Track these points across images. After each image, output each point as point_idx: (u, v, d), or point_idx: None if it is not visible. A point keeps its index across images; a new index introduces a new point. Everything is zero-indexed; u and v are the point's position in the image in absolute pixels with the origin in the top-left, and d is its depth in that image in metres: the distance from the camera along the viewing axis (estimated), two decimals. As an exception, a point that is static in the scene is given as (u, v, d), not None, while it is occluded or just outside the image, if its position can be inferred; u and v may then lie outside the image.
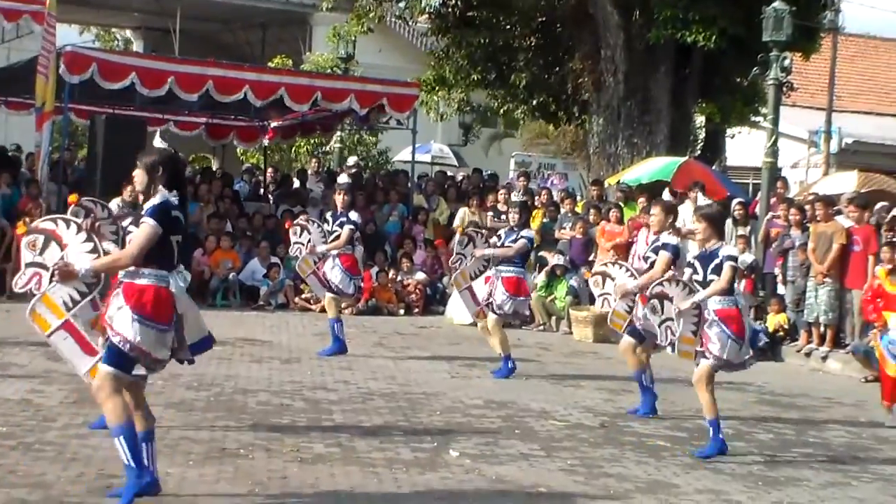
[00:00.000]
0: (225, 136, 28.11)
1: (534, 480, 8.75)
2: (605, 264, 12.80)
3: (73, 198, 10.72)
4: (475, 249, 14.55)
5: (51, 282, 7.39)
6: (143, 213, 7.26)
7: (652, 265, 11.64)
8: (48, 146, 20.81)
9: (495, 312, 13.71)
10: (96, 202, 10.41)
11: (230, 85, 21.84)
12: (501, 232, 15.01)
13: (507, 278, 13.64)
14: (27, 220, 9.26)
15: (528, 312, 16.00)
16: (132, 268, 7.14)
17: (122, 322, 7.08)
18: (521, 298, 14.01)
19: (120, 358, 7.12)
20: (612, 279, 12.10)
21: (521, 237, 14.45)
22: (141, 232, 7.17)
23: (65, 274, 7.30)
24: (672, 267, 11.41)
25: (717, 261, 9.91)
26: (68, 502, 7.36)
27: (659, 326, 10.76)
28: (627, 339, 11.81)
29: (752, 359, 10.39)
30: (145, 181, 7.38)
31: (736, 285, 10.49)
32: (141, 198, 7.51)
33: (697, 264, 10.10)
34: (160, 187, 7.31)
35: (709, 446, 10.05)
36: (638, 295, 11.42)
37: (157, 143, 7.12)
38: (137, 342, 7.06)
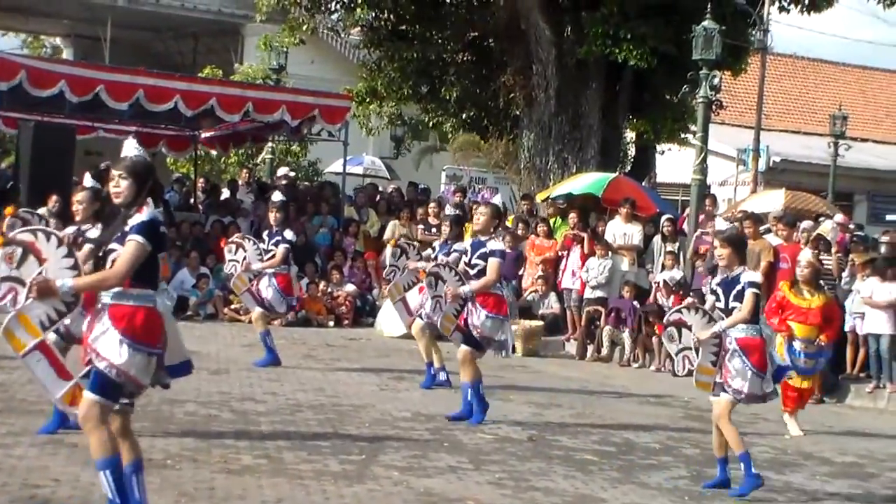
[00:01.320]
0: (154, 145, 27.88)
1: (462, 493, 8.75)
2: (438, 266, 12.27)
3: (9, 210, 10.60)
4: (408, 261, 14.59)
5: (27, 298, 6.78)
6: (127, 229, 6.70)
7: (479, 273, 11.57)
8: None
9: (424, 319, 13.64)
10: (33, 213, 10.33)
11: (161, 94, 21.73)
12: (435, 244, 15.04)
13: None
14: (3, 230, 8.63)
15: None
16: (117, 288, 6.67)
17: (108, 346, 6.60)
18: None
19: (106, 385, 6.63)
20: (444, 282, 11.87)
21: (455, 250, 14.48)
22: (129, 250, 6.62)
23: (44, 290, 6.63)
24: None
25: (738, 287, 9.39)
26: (-8, 513, 7.28)
27: (676, 356, 10.64)
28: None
29: (773, 393, 9.89)
30: (132, 192, 6.79)
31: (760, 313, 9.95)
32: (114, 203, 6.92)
33: (720, 291, 9.56)
34: (147, 200, 6.82)
35: (745, 484, 9.36)
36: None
37: (131, 149, 6.65)
38: (125, 368, 6.59)
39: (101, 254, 6.96)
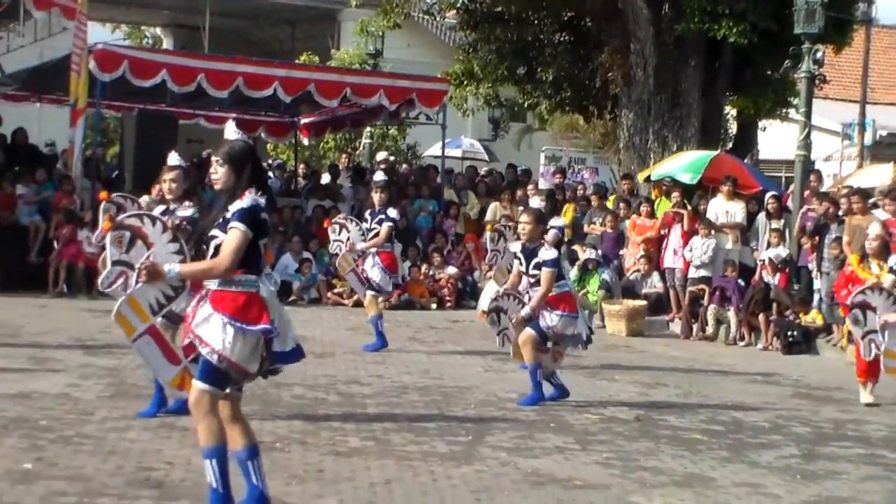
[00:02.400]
0: (254, 130, 28.16)
1: (569, 473, 8.72)
2: (496, 299, 12.12)
3: (103, 194, 10.79)
4: (507, 244, 14.58)
5: (137, 282, 6.73)
6: (228, 216, 6.65)
7: (537, 282, 11.51)
8: (81, 142, 20.94)
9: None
10: (126, 197, 10.43)
11: (260, 81, 21.93)
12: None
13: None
14: (111, 214, 8.70)
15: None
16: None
17: (211, 331, 6.60)
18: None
19: (213, 373, 6.62)
20: (506, 312, 11.78)
21: (552, 227, 14.44)
22: (232, 238, 6.56)
23: (152, 274, 6.64)
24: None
25: None
26: (108, 494, 7.38)
27: (862, 339, 10.39)
28: None
29: None
30: (231, 178, 6.74)
31: None
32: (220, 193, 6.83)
33: None
34: (248, 186, 6.74)
35: None
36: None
37: (231, 133, 6.59)
38: (227, 354, 6.57)
39: (202, 238, 6.93)
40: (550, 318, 11.51)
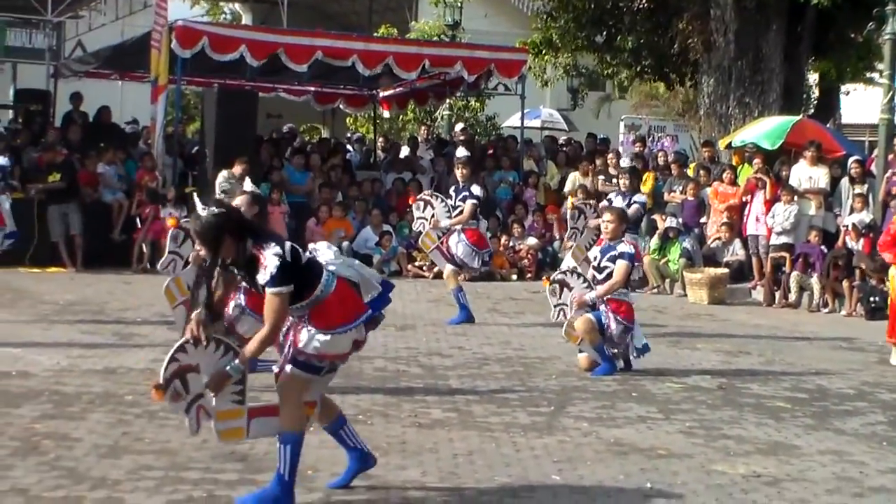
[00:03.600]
0: (332, 102, 28.28)
1: (652, 443, 8.71)
2: (564, 273, 12.15)
3: (172, 221, 11.34)
4: (587, 221, 14.57)
5: (206, 392, 6.65)
6: (259, 286, 6.57)
7: (608, 276, 11.51)
8: (163, 119, 21.16)
9: None
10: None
11: (339, 54, 22.01)
12: (612, 195, 14.93)
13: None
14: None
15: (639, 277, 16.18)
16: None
17: (306, 340, 6.70)
18: (637, 263, 13.92)
19: (308, 365, 6.76)
20: (570, 289, 11.71)
21: (634, 202, 14.45)
22: (272, 303, 6.50)
23: (219, 383, 6.59)
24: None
25: None
26: (193, 468, 7.48)
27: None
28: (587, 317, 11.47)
29: None
30: (211, 253, 6.59)
31: None
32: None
33: None
34: (263, 247, 6.56)
35: None
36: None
37: (198, 205, 6.92)
38: (324, 352, 6.71)
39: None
40: (612, 321, 11.47)
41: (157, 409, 8.94)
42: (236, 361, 6.60)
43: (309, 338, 6.70)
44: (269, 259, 6.48)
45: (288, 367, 6.76)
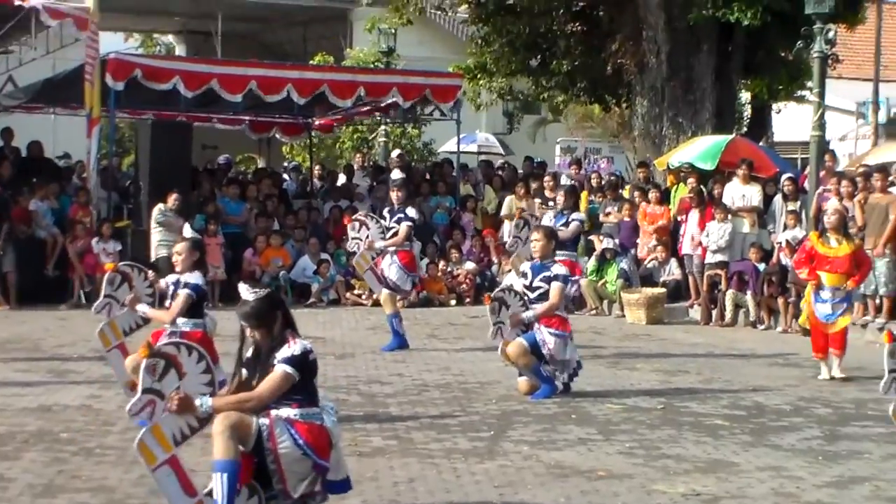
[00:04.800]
0: (268, 131, 28.17)
1: (593, 464, 8.74)
2: (504, 291, 12.13)
3: (109, 265, 11.27)
4: (530, 232, 14.62)
5: (164, 411, 6.76)
6: (276, 359, 6.78)
7: (540, 296, 11.60)
8: (97, 153, 20.98)
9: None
10: (133, 266, 10.78)
11: (273, 84, 21.93)
12: (550, 214, 15.00)
13: (562, 262, 13.50)
14: (150, 341, 9.02)
15: (576, 293, 16.37)
16: (283, 406, 6.78)
17: (285, 441, 6.73)
18: (574, 278, 14.06)
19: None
20: (507, 307, 11.73)
21: (573, 220, 14.53)
22: (276, 377, 6.72)
23: (184, 406, 6.67)
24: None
25: None
26: (131, 504, 7.43)
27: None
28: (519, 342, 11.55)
29: None
30: (267, 335, 6.86)
31: None
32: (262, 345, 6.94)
33: None
34: (291, 333, 6.89)
35: None
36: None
37: (246, 294, 6.96)
38: (282, 462, 6.71)
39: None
40: (546, 336, 11.51)
41: (93, 446, 8.87)
42: (210, 402, 6.69)
43: (285, 432, 6.72)
44: (299, 344, 6.81)
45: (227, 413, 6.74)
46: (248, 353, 7.00)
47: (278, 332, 6.84)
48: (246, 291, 6.89)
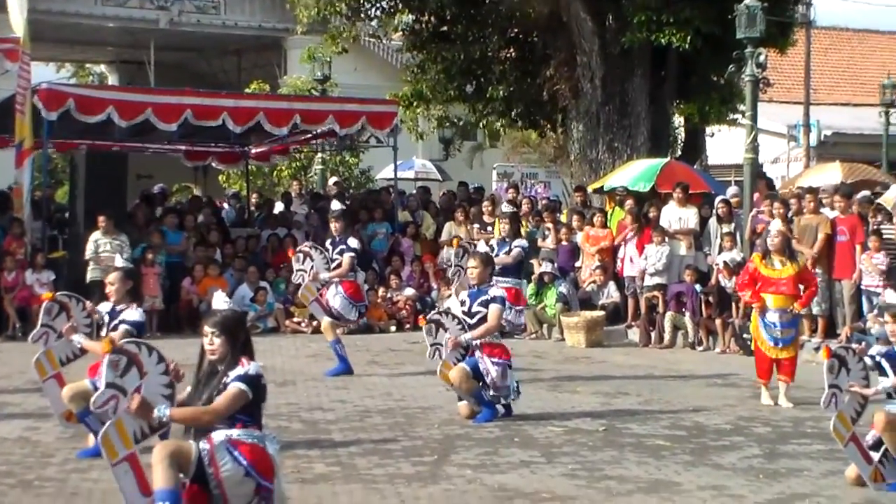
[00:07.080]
0: (204, 159, 28.03)
1: (536, 487, 8.76)
2: (440, 313, 12.26)
3: (47, 294, 11.13)
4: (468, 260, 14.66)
5: (128, 396, 6.90)
6: (229, 378, 6.90)
7: (479, 320, 11.65)
8: (30, 184, 20.77)
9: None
10: (71, 296, 10.68)
11: (208, 112, 21.77)
12: (493, 243, 15.09)
13: (507, 289, 13.52)
14: (113, 336, 9.09)
15: (522, 322, 16.38)
16: (226, 426, 6.83)
17: (225, 459, 6.75)
18: (520, 308, 14.11)
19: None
20: (445, 329, 11.81)
21: (516, 246, 14.60)
22: (232, 393, 6.83)
23: (141, 409, 6.84)
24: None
25: None
26: (72, 536, 7.34)
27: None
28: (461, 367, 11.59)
29: None
30: (226, 348, 6.98)
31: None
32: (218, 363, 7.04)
33: (887, 366, 9.07)
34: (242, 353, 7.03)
35: None
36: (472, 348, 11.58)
37: (220, 303, 6.93)
38: (224, 482, 6.72)
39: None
40: (489, 366, 11.53)
41: (32, 479, 8.77)
42: (168, 412, 6.83)
43: (227, 454, 6.73)
44: (253, 365, 6.97)
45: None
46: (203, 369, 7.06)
47: (238, 351, 6.95)
48: (221, 300, 7.21)
